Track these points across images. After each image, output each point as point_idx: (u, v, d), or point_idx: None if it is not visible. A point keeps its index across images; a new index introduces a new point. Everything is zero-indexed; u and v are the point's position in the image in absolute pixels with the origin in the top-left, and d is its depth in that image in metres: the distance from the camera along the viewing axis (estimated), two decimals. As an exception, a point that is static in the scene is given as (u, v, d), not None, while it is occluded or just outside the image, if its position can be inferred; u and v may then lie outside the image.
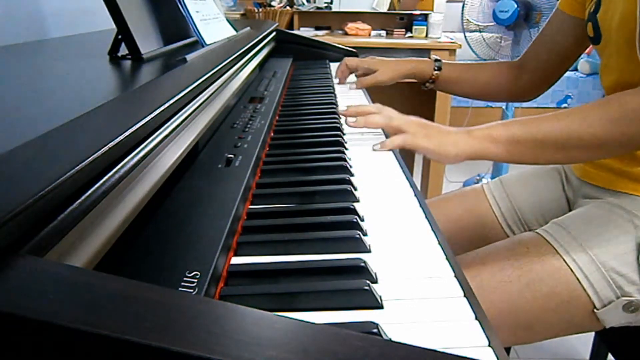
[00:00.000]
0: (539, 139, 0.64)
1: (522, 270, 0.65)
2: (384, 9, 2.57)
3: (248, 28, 1.20)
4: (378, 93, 1.12)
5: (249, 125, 0.73)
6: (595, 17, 0.73)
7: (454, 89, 1.08)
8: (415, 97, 2.06)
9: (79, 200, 0.29)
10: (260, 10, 2.57)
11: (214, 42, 0.83)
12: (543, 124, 0.65)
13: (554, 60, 0.91)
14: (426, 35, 2.43)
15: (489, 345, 0.34)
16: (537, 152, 0.65)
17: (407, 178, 0.62)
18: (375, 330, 0.33)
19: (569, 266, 0.64)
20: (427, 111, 2.08)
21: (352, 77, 1.22)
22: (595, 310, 0.63)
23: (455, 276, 0.42)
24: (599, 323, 0.65)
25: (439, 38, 2.39)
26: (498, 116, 2.43)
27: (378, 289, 0.39)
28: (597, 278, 0.63)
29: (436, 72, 1.04)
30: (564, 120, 0.64)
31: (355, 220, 0.49)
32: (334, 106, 0.93)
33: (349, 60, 1.17)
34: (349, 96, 1.08)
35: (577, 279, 0.63)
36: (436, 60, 1.05)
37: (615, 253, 0.64)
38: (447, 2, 2.72)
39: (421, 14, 2.48)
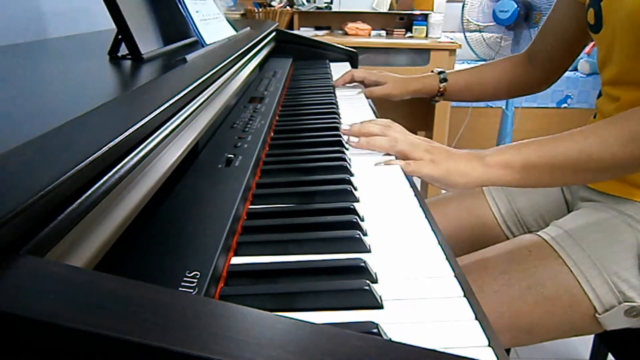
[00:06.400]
0: (556, 164, 0.61)
1: (525, 274, 0.64)
2: (384, 9, 2.57)
3: (248, 28, 1.20)
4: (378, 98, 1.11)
5: (249, 125, 0.73)
6: (599, 4, 0.71)
7: (465, 96, 1.05)
8: (415, 99, 2.05)
9: (79, 200, 0.29)
10: (260, 10, 2.58)
11: (214, 42, 0.83)
12: (559, 146, 0.61)
13: (561, 48, 0.89)
14: (426, 35, 2.44)
15: (489, 345, 0.34)
16: (553, 176, 0.62)
17: (407, 178, 0.62)
18: (375, 330, 0.33)
19: (571, 270, 0.64)
20: (427, 112, 2.07)
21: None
22: (596, 314, 0.63)
23: (455, 276, 0.42)
24: (600, 326, 0.64)
25: (439, 38, 2.40)
26: (498, 116, 2.43)
27: (378, 289, 0.39)
28: (599, 283, 0.63)
29: (443, 84, 1.02)
30: (581, 142, 0.60)
31: (355, 220, 0.49)
32: (334, 106, 0.93)
33: (356, 72, 1.13)
34: (349, 97, 1.08)
35: (579, 283, 0.63)
36: (440, 72, 1.03)
37: (617, 258, 0.64)
38: (447, 2, 2.72)
39: (421, 14, 2.48)
